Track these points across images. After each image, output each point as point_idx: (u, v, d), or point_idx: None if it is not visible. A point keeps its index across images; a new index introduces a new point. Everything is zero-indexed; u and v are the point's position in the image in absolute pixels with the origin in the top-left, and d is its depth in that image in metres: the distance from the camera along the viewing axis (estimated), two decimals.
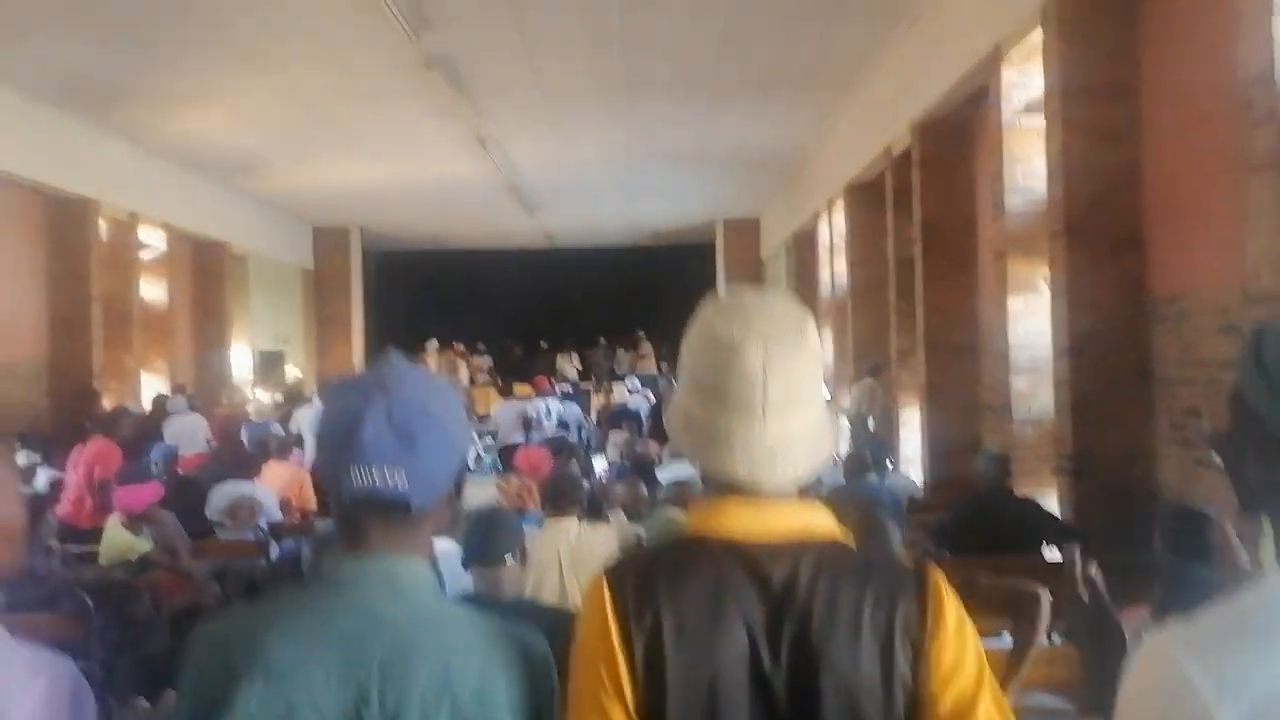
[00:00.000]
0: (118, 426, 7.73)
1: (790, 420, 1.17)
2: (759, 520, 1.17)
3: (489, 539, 2.73)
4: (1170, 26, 4.91)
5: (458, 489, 1.23)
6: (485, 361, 20.03)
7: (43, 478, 7.77)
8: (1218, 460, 3.17)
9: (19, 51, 7.82)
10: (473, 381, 18.62)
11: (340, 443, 1.12)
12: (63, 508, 7.12)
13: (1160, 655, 0.86)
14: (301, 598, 1.18)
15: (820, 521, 1.19)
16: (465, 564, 2.80)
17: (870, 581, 1.15)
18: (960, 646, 1.15)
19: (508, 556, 2.73)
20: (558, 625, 2.79)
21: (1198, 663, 0.82)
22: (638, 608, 1.13)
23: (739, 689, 1.11)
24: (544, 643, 1.22)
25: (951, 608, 1.16)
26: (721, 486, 1.19)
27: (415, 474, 1.13)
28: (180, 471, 7.74)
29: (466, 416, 1.29)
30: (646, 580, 1.15)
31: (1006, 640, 3.30)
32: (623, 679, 1.12)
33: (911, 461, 8.77)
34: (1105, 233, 5.13)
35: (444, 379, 1.34)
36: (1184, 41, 4.79)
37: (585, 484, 5.83)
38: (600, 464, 8.87)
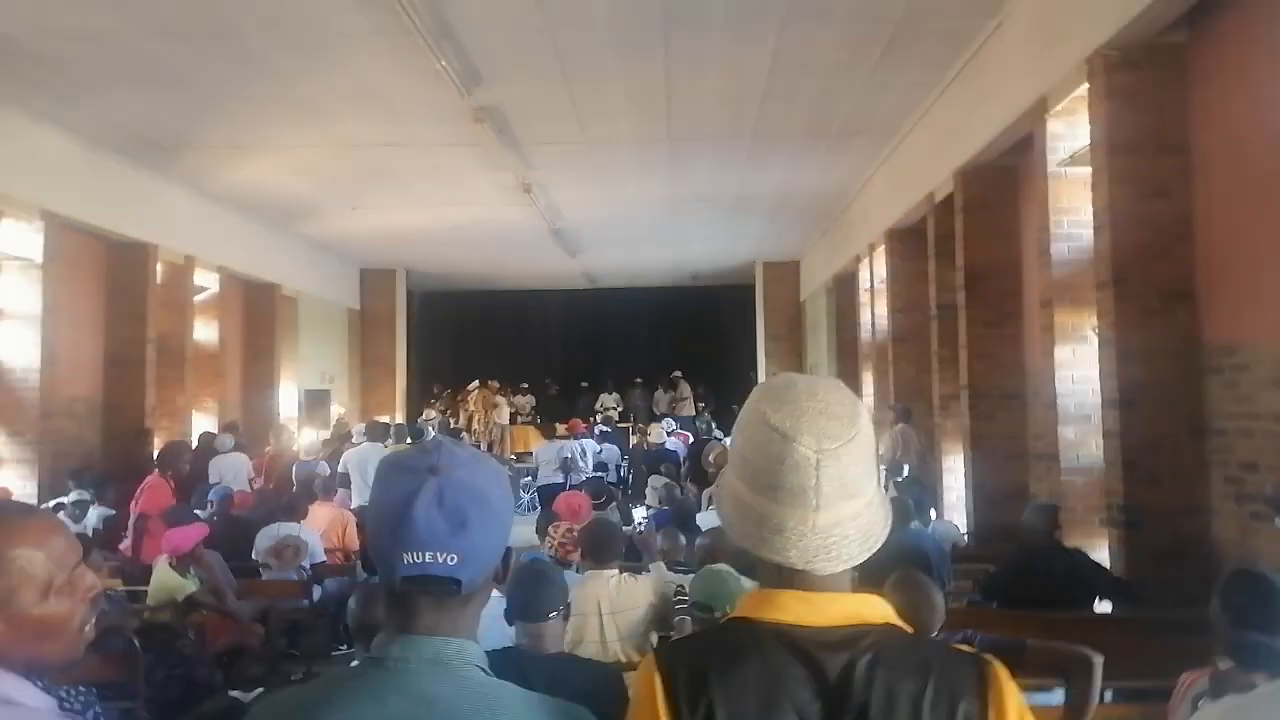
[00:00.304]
0: (177, 462, 7.85)
1: (843, 510, 1.17)
2: (813, 609, 1.17)
3: (536, 596, 2.74)
4: (1221, 79, 4.89)
5: (504, 563, 1.26)
6: (528, 401, 20.14)
7: (93, 515, 7.94)
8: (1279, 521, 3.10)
9: (85, 102, 8.15)
10: (514, 420, 18.72)
11: (393, 526, 1.15)
12: (126, 544, 7.27)
13: None
14: (355, 677, 1.20)
15: (876, 608, 1.19)
16: (510, 619, 2.80)
17: (930, 674, 1.14)
18: None
19: (552, 614, 2.74)
20: (602, 681, 2.80)
21: None
22: (690, 695, 1.13)
23: None
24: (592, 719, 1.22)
25: (1014, 705, 1.15)
26: (774, 573, 1.19)
27: (466, 555, 1.15)
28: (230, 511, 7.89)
29: (511, 490, 1.32)
30: (699, 666, 1.15)
31: (1058, 695, 3.23)
32: None
33: (955, 509, 8.64)
34: (1155, 284, 5.08)
35: (487, 456, 1.34)
36: (1235, 94, 4.76)
37: (624, 529, 5.85)
38: (639, 512, 8.85)
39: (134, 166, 9.97)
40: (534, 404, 20.23)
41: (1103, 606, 5.08)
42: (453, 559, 1.14)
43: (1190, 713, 2.31)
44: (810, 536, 1.16)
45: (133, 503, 7.40)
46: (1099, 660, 2.67)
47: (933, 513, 7.76)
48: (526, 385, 20.40)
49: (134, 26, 6.58)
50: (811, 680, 1.12)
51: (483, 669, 1.20)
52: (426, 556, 1.13)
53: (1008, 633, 3.98)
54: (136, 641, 4.70)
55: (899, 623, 1.20)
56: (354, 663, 1.27)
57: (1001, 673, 1.17)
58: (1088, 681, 2.66)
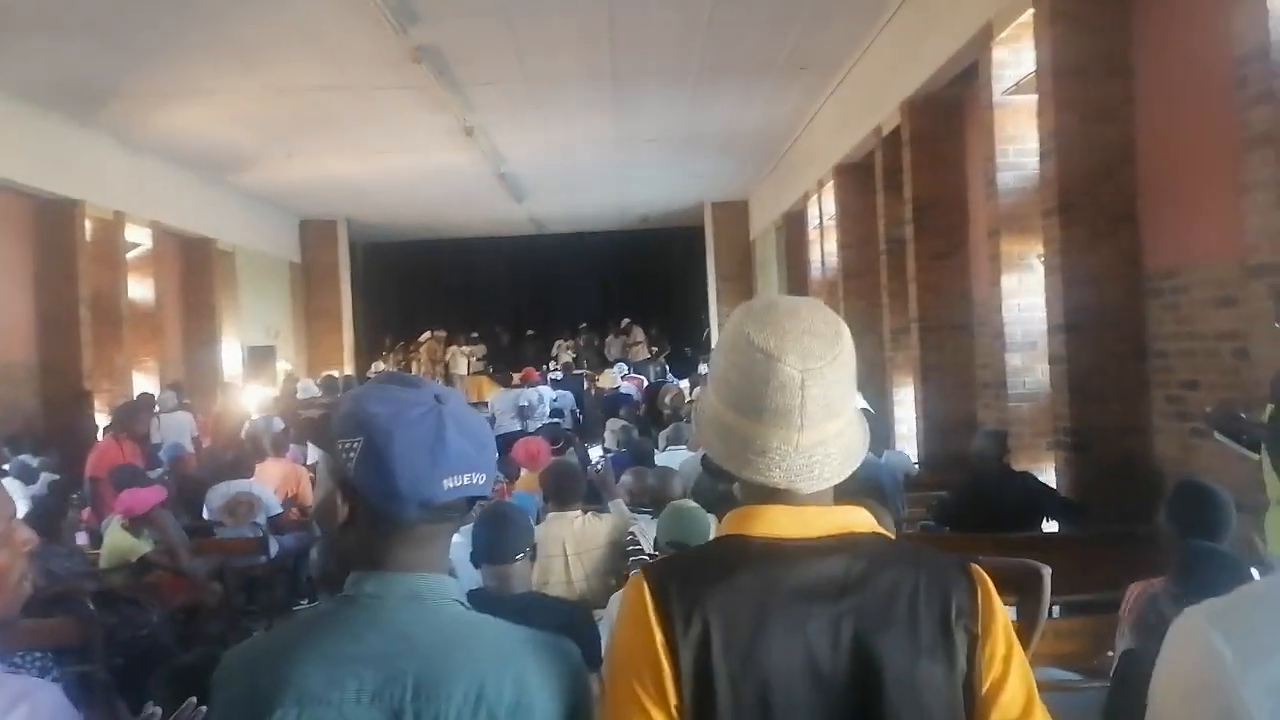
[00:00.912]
0: (133, 422, 7.62)
1: (827, 429, 1.17)
2: (803, 522, 1.17)
3: (501, 537, 2.73)
4: (1162, 4, 4.91)
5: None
6: (479, 350, 19.94)
7: (42, 481, 7.73)
8: (1221, 440, 3.20)
9: (7, 51, 7.72)
10: (469, 370, 18.53)
11: (430, 455, 1.14)
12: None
13: (1191, 630, 0.89)
14: (328, 618, 1.17)
15: (861, 519, 1.20)
16: (475, 561, 2.79)
17: (922, 572, 1.16)
18: (1009, 641, 1.17)
19: (519, 555, 2.73)
20: (570, 618, 2.82)
21: (1225, 636, 0.85)
22: (684, 613, 1.12)
23: (795, 691, 1.11)
24: (577, 651, 1.21)
25: (997, 600, 1.19)
26: (758, 492, 1.19)
27: (488, 476, 1.20)
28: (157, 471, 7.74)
29: None
30: (690, 583, 1.15)
31: (1011, 614, 3.33)
32: (668, 687, 1.11)
33: (907, 439, 8.81)
34: (1100, 209, 5.14)
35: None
36: (1178, 19, 4.80)
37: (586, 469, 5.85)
38: (595, 452, 8.88)
39: (57, 119, 9.51)
40: (484, 353, 20.06)
41: (1051, 526, 5.23)
42: (482, 478, 1.18)
43: (1144, 618, 2.39)
44: (794, 456, 1.16)
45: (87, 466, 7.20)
46: (1047, 571, 2.74)
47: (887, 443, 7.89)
48: (476, 334, 20.17)
49: None
50: (807, 586, 1.13)
51: (461, 603, 1.18)
52: (465, 479, 1.16)
53: (959, 555, 4.09)
54: (91, 604, 4.62)
55: (885, 532, 1.22)
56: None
57: (984, 574, 1.20)
58: (1038, 592, 2.73)
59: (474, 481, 1.17)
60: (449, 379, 18.07)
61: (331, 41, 7.88)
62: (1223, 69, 4.00)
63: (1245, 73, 3.73)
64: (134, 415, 7.69)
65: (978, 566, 1.20)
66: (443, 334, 18.99)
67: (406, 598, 1.14)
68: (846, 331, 1.21)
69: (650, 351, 19.05)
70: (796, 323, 1.17)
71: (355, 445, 1.15)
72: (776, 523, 1.17)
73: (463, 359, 18.41)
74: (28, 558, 1.31)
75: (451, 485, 1.15)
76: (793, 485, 1.17)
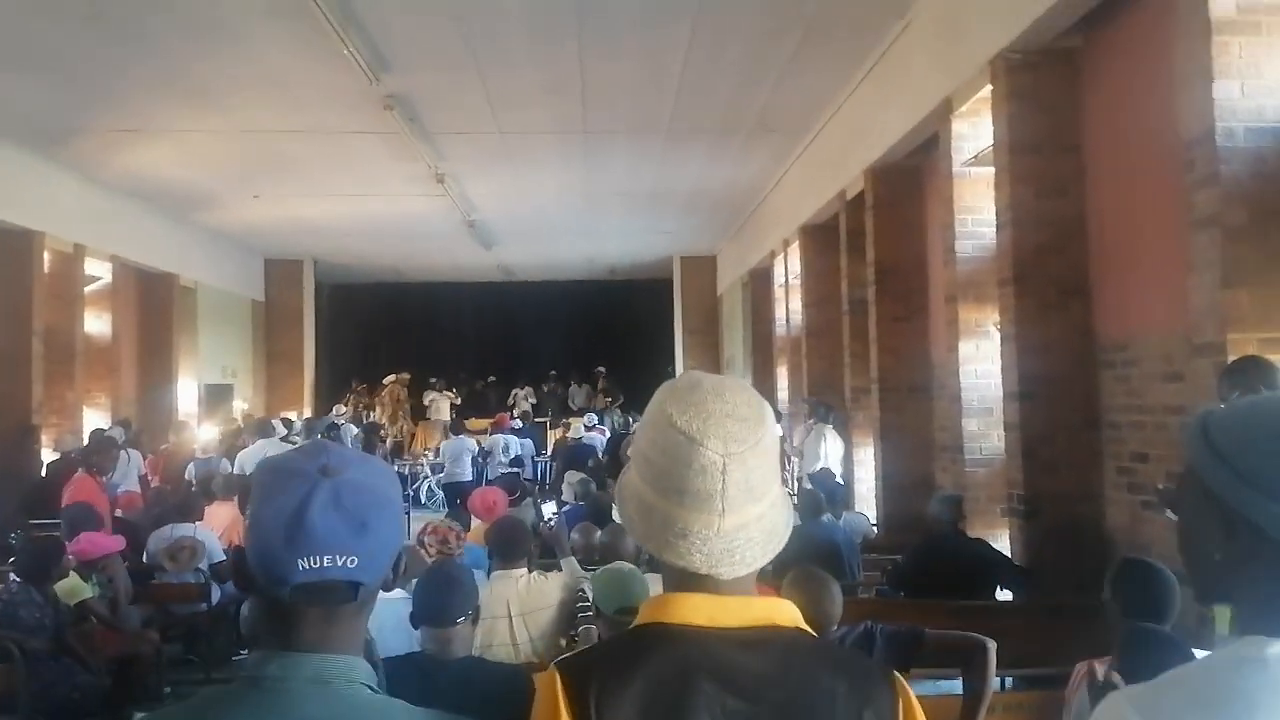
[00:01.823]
0: (104, 458, 7.37)
1: (748, 513, 1.14)
2: (725, 611, 1.14)
3: (444, 600, 2.65)
4: (1113, 86, 5.07)
5: (395, 569, 1.17)
6: (455, 395, 19.36)
7: None
8: (1175, 517, 3.23)
9: None
10: (454, 415, 17.94)
11: (286, 531, 1.06)
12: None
13: (1112, 709, 0.98)
14: (229, 700, 1.11)
15: (786, 613, 1.18)
16: (415, 622, 2.71)
17: (842, 677, 1.13)
18: None
19: (460, 619, 2.66)
20: (509, 682, 2.74)
21: (1140, 716, 0.93)
22: (597, 707, 1.09)
23: None
24: None
25: (920, 714, 1.16)
26: (678, 576, 1.16)
27: (365, 558, 1.08)
28: (118, 512, 7.52)
29: (401, 490, 1.25)
30: (604, 676, 1.11)
31: (958, 683, 3.31)
32: None
33: (866, 499, 8.83)
34: (1053, 280, 5.25)
35: (378, 457, 1.26)
36: (1126, 100, 4.95)
37: (538, 525, 5.77)
38: (550, 508, 8.78)
39: (17, 150, 9.41)
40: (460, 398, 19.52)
41: (1004, 594, 5.24)
42: (353, 561, 1.07)
43: (1086, 700, 2.39)
44: (715, 540, 1.13)
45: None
46: (992, 646, 2.73)
47: (844, 506, 7.88)
48: (434, 380, 19.86)
49: (9, 5, 6.19)
50: (726, 681, 1.09)
51: (370, 686, 1.13)
52: (325, 560, 1.05)
53: (912, 621, 4.07)
54: (17, 651, 4.45)
55: (807, 628, 1.19)
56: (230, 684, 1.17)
57: (906, 686, 1.18)
58: (983, 667, 2.72)
59: (338, 563, 1.06)
60: (413, 422, 17.77)
61: (299, 86, 7.89)
62: (1171, 150, 4.13)
63: (1192, 156, 3.84)
64: (105, 450, 7.47)
65: (900, 678, 1.18)
66: (406, 377, 18.74)
67: (311, 680, 1.08)
68: (770, 414, 1.19)
69: (605, 402, 18.92)
70: (720, 405, 1.15)
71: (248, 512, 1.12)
72: (697, 610, 1.14)
73: (445, 403, 18.11)
74: None
75: (307, 566, 1.06)
76: (714, 570, 1.13)
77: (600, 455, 12.20)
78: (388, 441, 15.72)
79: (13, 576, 4.88)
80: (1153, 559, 2.77)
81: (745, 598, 1.17)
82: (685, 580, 1.16)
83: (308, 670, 1.09)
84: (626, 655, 1.14)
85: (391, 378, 18.68)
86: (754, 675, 1.11)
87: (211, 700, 1.13)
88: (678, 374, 12.45)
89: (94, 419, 11.18)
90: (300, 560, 1.06)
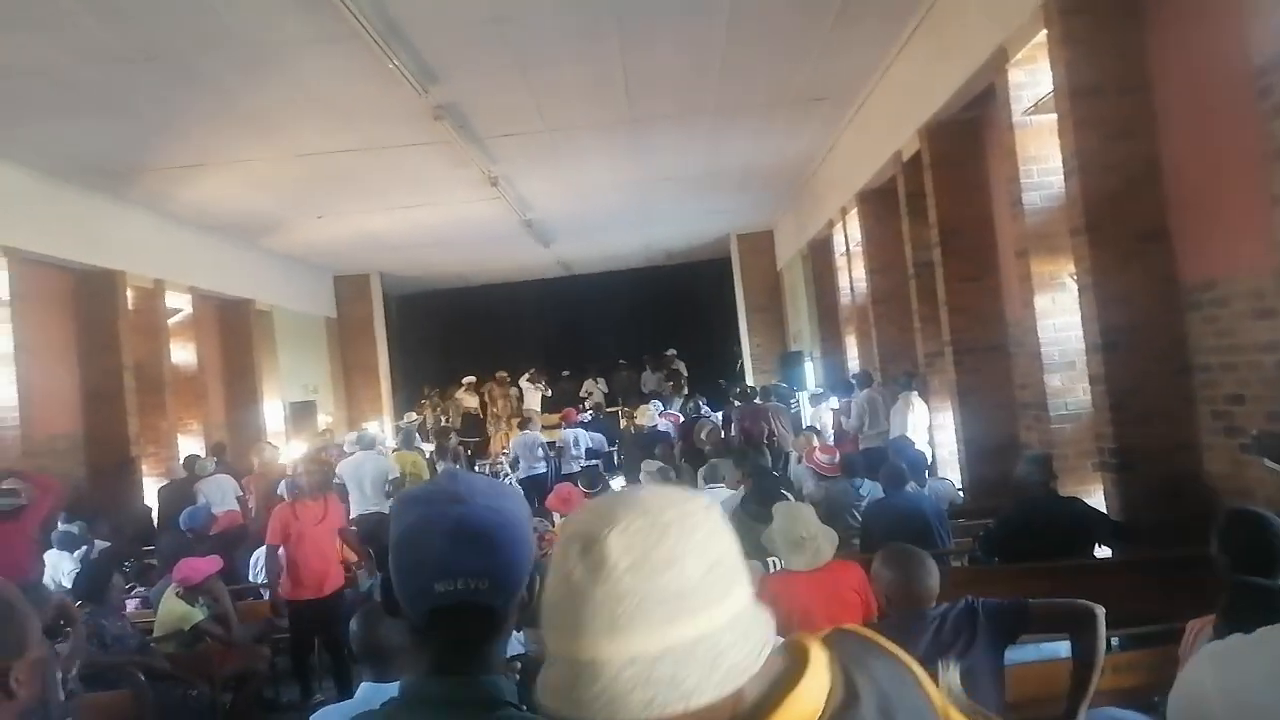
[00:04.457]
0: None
1: (642, 642, 0.81)
2: None
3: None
4: (1177, 18, 4.87)
5: (529, 590, 1.19)
6: (542, 384, 19.43)
7: (89, 547, 7.85)
8: (1271, 465, 3.11)
9: (31, 136, 8.00)
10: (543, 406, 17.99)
11: (421, 557, 1.11)
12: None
13: (1195, 672, 1.09)
14: None
15: None
16: (518, 625, 2.77)
17: None
18: None
19: None
20: None
21: (1215, 668, 1.05)
22: None
23: None
24: None
25: None
26: None
27: (498, 581, 1.12)
28: (214, 531, 7.82)
29: (530, 514, 1.28)
30: None
31: (1066, 645, 3.23)
32: None
33: (949, 464, 8.68)
34: (1129, 226, 5.07)
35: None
36: (1192, 33, 4.75)
37: None
38: (618, 483, 8.79)
39: (92, 194, 9.81)
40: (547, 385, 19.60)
41: (1103, 552, 5.11)
42: (485, 584, 1.11)
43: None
44: (585, 684, 0.82)
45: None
46: (1101, 612, 2.66)
47: (928, 473, 7.77)
48: (530, 372, 19.95)
49: (68, 56, 6.44)
50: None
51: (514, 705, 1.16)
52: (459, 584, 1.10)
53: (1011, 589, 3.99)
54: (143, 678, 4.68)
55: None
56: (382, 703, 1.24)
57: None
58: (1093, 635, 2.66)
59: (471, 586, 1.11)
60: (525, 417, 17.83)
61: (352, 105, 8.06)
62: (1243, 80, 3.95)
63: (1266, 83, 3.68)
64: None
65: None
66: (504, 375, 18.96)
67: (461, 704, 1.13)
68: (694, 512, 0.88)
69: (667, 386, 18.86)
70: (607, 510, 0.87)
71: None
72: None
73: (536, 394, 18.33)
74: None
75: (444, 590, 1.11)
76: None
77: (673, 441, 12.24)
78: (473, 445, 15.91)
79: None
80: (1259, 508, 2.67)
81: None
82: None
83: (458, 693, 1.14)
84: None
85: (471, 379, 18.95)
86: None
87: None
88: (745, 352, 12.24)
89: (188, 445, 11.64)
90: (436, 584, 1.11)
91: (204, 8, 5.91)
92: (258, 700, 5.87)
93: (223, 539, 7.68)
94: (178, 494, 9.20)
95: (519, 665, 1.36)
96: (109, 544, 8.00)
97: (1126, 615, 3.72)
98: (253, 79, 7.20)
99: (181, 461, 10.46)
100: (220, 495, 9.20)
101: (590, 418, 14.99)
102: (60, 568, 7.16)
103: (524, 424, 12.84)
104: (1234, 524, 2.50)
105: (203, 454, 11.59)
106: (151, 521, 9.63)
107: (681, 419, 13.67)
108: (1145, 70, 5.07)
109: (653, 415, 14.46)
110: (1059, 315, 6.07)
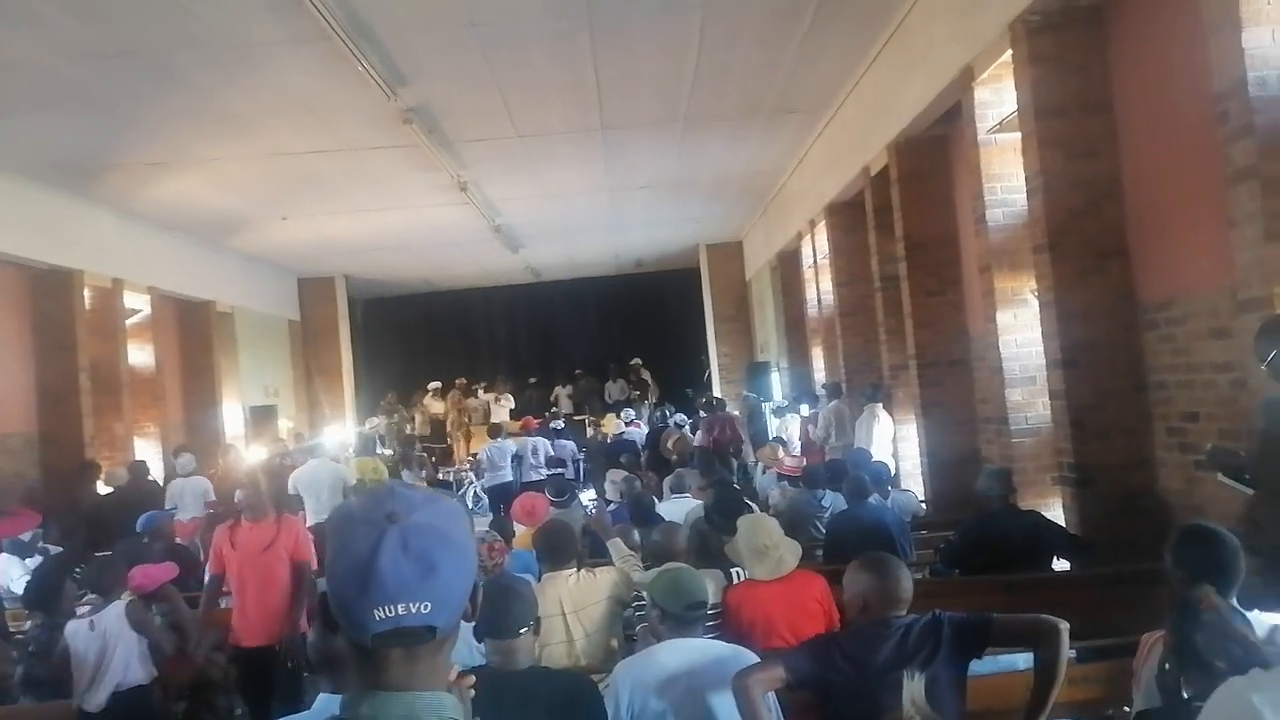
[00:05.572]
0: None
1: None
2: None
3: (506, 612, 2.68)
4: (1140, 41, 4.97)
5: (472, 600, 1.18)
6: (509, 398, 19.34)
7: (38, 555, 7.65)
8: (1224, 480, 3.16)
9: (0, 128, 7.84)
10: (511, 417, 17.89)
11: (359, 582, 1.09)
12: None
13: (1233, 693, 1.05)
14: None
15: None
16: (479, 635, 2.75)
17: None
18: None
19: (523, 629, 2.69)
20: (574, 691, 2.77)
21: (1262, 696, 1.01)
22: None
23: None
24: None
25: None
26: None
27: (438, 601, 1.10)
28: (179, 540, 7.65)
29: (471, 525, 1.25)
30: None
31: (1026, 657, 3.26)
32: None
33: (912, 476, 8.76)
34: (1089, 244, 5.17)
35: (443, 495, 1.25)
36: (1154, 55, 4.85)
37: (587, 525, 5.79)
38: (587, 494, 8.72)
39: (52, 191, 9.62)
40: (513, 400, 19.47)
41: (1061, 565, 5.18)
42: (426, 607, 1.09)
43: (1154, 672, 2.35)
44: None
45: None
46: (1065, 627, 2.69)
47: (890, 486, 7.82)
48: (484, 384, 19.96)
49: (40, 50, 6.32)
50: None
51: None
52: (399, 609, 1.08)
53: (972, 601, 4.03)
54: None
55: None
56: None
57: None
58: (1056, 650, 2.69)
59: (412, 610, 1.09)
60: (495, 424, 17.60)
61: (321, 107, 7.98)
62: (1203, 103, 4.04)
63: (1225, 108, 3.76)
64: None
65: None
66: (463, 382, 18.85)
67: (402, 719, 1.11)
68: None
69: (635, 394, 18.85)
70: None
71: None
72: None
73: (501, 409, 18.21)
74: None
75: (383, 616, 1.08)
76: None
77: (640, 449, 12.22)
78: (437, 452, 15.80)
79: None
80: (1212, 523, 2.72)
81: None
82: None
83: (399, 710, 1.11)
84: None
85: (436, 385, 18.82)
86: None
87: None
88: (712, 361, 12.37)
89: (143, 449, 11.41)
90: (376, 610, 1.08)
91: (177, 5, 5.82)
92: (211, 709, 5.75)
93: (185, 549, 7.49)
94: (126, 499, 8.90)
95: (473, 679, 1.33)
96: (59, 549, 7.80)
97: (1083, 628, 3.77)
98: (225, 77, 7.11)
99: (128, 467, 10.18)
100: (195, 498, 8.95)
101: (562, 425, 14.92)
102: (9, 574, 6.97)
103: (494, 431, 12.75)
104: (1187, 539, 2.53)
105: (161, 457, 11.38)
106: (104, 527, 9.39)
107: (648, 429, 13.65)
108: (1108, 92, 5.17)
109: (619, 424, 14.44)
110: (1020, 331, 6.15)
